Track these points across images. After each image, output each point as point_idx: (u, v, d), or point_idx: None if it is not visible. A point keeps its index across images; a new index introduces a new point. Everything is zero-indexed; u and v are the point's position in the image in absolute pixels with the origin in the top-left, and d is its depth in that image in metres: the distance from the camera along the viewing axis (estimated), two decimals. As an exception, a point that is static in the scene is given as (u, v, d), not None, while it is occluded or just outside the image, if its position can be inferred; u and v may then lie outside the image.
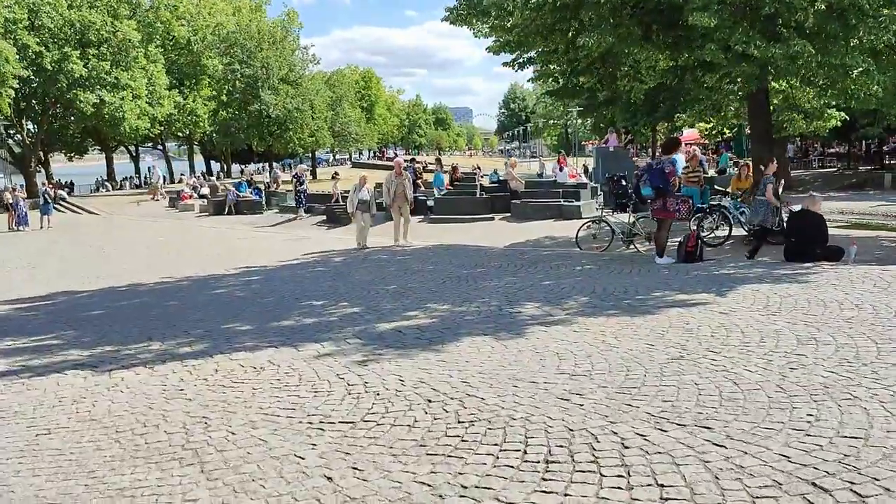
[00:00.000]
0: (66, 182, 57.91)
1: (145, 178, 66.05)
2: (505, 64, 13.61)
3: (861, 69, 10.09)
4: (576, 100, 16.36)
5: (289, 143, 50.69)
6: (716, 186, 17.97)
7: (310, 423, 4.45)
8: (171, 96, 51.02)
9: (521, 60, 13.50)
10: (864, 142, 43.86)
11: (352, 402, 4.80)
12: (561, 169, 21.02)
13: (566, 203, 19.01)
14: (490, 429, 4.07)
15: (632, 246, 13.79)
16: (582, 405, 4.37)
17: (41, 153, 53.92)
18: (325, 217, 23.17)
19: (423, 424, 4.25)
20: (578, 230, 14.29)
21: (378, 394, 4.91)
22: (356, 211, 15.79)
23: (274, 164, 76.97)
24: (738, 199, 14.85)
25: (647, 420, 4.03)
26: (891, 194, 27.56)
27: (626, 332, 6.25)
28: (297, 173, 25.62)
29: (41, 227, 25.97)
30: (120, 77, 45.52)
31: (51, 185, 31.42)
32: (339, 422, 4.42)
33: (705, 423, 3.92)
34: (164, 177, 62.90)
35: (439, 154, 75.06)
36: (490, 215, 19.95)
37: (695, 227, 13.06)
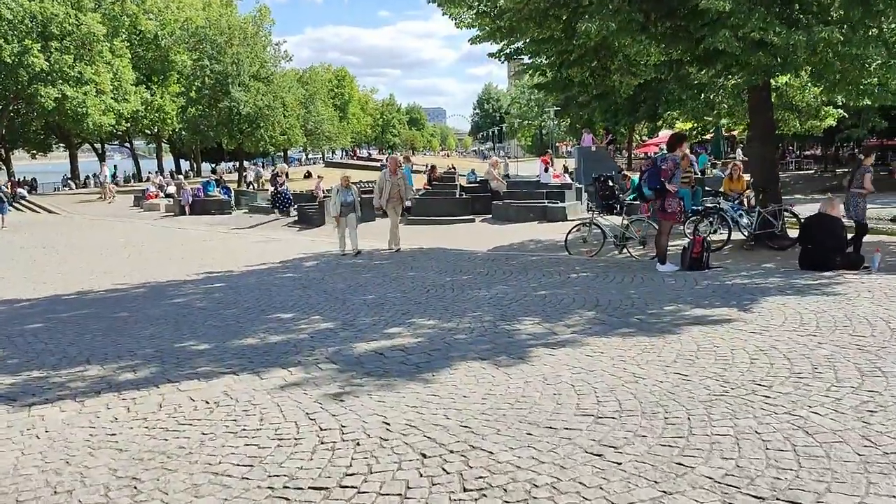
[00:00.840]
0: (28, 180, 55.95)
1: (113, 176, 64.28)
2: (490, 55, 12.67)
3: (879, 61, 9.35)
4: (565, 93, 15.41)
5: (260, 142, 49.30)
6: (706, 188, 17.25)
7: (271, 487, 3.45)
8: (138, 92, 49.35)
9: (507, 51, 12.54)
10: (842, 144, 43.74)
11: (325, 455, 3.81)
12: (546, 169, 20.18)
13: (551, 204, 18.15)
14: (507, 502, 3.11)
15: (625, 250, 12.95)
16: (619, 463, 3.43)
17: (2, 150, 51.96)
18: (296, 218, 22.07)
19: (418, 493, 3.27)
20: (568, 233, 13.41)
21: (358, 444, 3.93)
22: (340, 215, 13.91)
23: (259, 161, 75.52)
24: (735, 201, 14.09)
25: (711, 489, 3.10)
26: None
27: (648, 357, 5.34)
28: (276, 172, 24.42)
29: (-5, 227, 24.55)
30: (84, 71, 43.82)
31: (9, 183, 29.82)
32: (309, 487, 3.42)
33: (791, 495, 3.00)
34: (113, 176, 61.23)
35: (411, 153, 74.10)
36: (470, 216, 19.04)
37: (692, 231, 12.24)
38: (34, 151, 63.01)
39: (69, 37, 43.70)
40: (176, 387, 5.32)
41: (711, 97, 14.19)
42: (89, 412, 4.84)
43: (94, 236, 20.65)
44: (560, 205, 18.02)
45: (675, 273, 9.55)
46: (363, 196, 21.31)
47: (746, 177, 15.38)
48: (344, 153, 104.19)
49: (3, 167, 52.25)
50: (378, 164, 72.44)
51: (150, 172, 59.51)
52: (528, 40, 12.06)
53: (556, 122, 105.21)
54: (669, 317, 6.72)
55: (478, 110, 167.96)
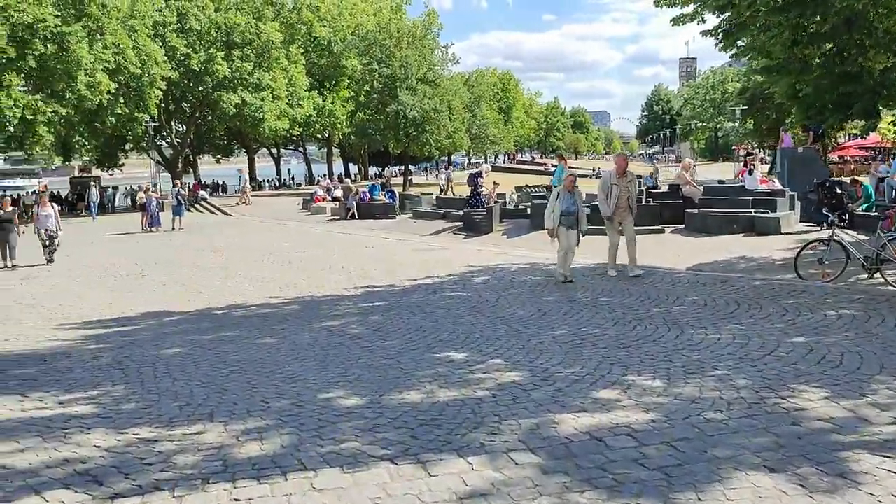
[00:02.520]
0: (210, 183, 59.29)
1: (285, 179, 67.06)
2: (705, 33, 10.41)
3: None
4: (798, 77, 12.65)
5: (425, 145, 48.83)
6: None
7: None
8: (311, 97, 50.69)
9: (726, 28, 10.19)
10: None
11: None
12: (750, 172, 17.27)
13: (760, 214, 15.32)
14: None
15: (876, 275, 10.14)
16: None
17: (190, 155, 55.31)
18: (461, 224, 20.60)
19: None
20: (799, 252, 10.75)
21: None
22: (559, 225, 10.51)
23: (424, 165, 75.97)
24: None
25: None
26: None
27: None
28: (478, 172, 23.12)
29: (172, 229, 25.15)
30: (261, 78, 45.46)
31: (191, 186, 30.93)
32: None
33: None
34: (282, 181, 63.40)
35: (573, 157, 71.12)
36: (659, 227, 16.57)
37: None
38: (218, 156, 66.97)
39: (250, 45, 45.48)
40: (310, 481, 3.70)
41: None
42: (183, 523, 3.32)
43: (261, 239, 20.31)
44: (771, 215, 15.16)
45: None
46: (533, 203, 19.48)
47: None
48: (506, 157, 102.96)
49: (192, 170, 55.64)
50: (543, 167, 70.53)
51: (318, 176, 61.26)
52: (756, 11, 9.64)
53: (735, 124, 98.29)
54: None
55: (646, 112, 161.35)
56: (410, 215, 24.61)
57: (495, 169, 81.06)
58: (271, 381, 5.86)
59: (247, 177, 42.57)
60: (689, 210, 16.82)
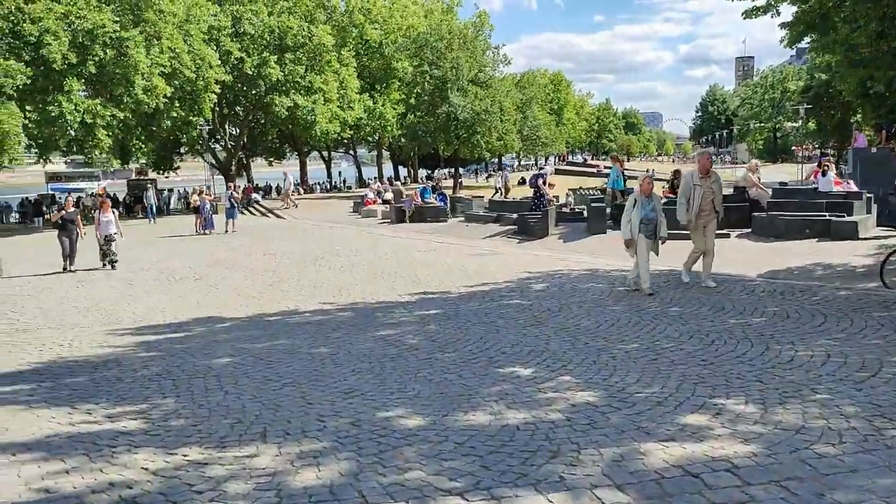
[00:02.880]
0: (264, 185, 59.98)
1: (335, 182, 67.46)
2: (783, 25, 9.75)
3: None
4: (874, 73, 11.80)
5: (476, 147, 48.40)
6: None
7: None
8: (362, 100, 50.81)
9: (808, 20, 9.53)
10: None
11: None
12: (824, 174, 16.37)
13: (836, 218, 14.48)
14: None
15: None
16: None
17: (243, 158, 56.02)
18: (515, 227, 20.12)
19: None
20: (885, 260, 10.01)
21: None
22: (638, 235, 9.57)
23: (499, 165, 75.37)
24: None
25: None
26: None
27: None
28: (543, 173, 22.57)
29: (226, 231, 25.27)
30: (313, 81, 45.72)
31: (235, 188, 31.11)
32: None
33: None
34: (334, 184, 63.59)
35: (625, 158, 69.55)
36: (724, 231, 15.82)
37: None
38: (270, 159, 67.76)
39: (302, 48, 45.77)
40: (370, 520, 3.33)
41: None
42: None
43: (312, 242, 20.19)
44: (848, 219, 14.31)
45: None
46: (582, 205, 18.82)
47: None
48: (557, 159, 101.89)
49: (245, 173, 56.35)
50: (595, 169, 69.34)
51: (368, 179, 61.40)
52: (841, 1, 8.97)
53: (796, 124, 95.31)
54: None
55: (700, 113, 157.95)
56: (462, 219, 24.23)
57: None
58: (327, 395, 5.53)
59: (291, 179, 42.10)
60: (756, 213, 16.03)
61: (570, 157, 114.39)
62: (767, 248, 14.19)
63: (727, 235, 15.76)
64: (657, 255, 9.94)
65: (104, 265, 16.14)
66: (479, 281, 11.86)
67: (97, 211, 17.29)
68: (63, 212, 16.61)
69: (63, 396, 5.83)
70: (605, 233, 17.44)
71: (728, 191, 19.87)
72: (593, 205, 17.86)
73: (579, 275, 11.89)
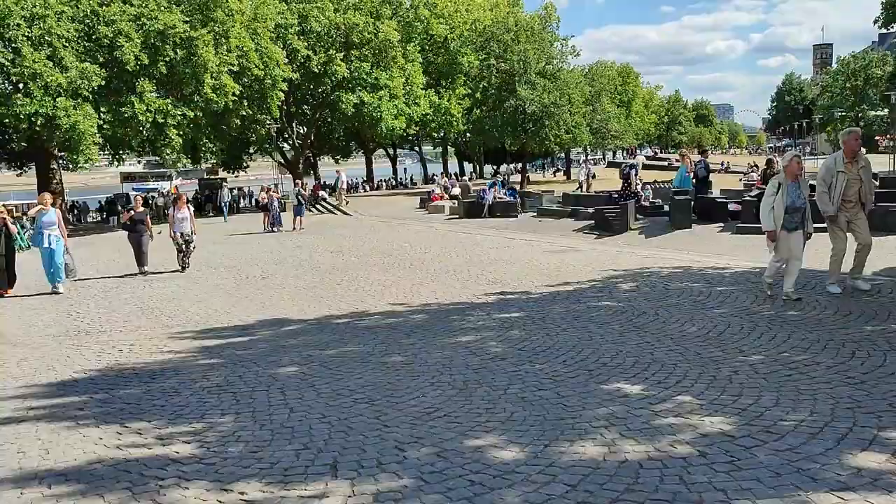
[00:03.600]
0: (332, 183, 60.15)
1: (401, 178, 67.27)
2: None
3: None
4: None
5: (544, 141, 47.27)
6: None
7: None
8: (428, 95, 50.28)
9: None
10: None
11: None
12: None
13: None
14: None
15: None
16: None
17: (310, 156, 56.28)
18: (592, 222, 19.10)
19: None
20: None
21: None
22: (782, 228, 8.11)
23: (567, 158, 73.87)
24: None
25: None
26: None
27: None
28: (632, 164, 21.46)
29: (293, 228, 25.04)
30: (379, 77, 45.42)
31: (303, 186, 30.97)
32: None
33: None
34: (400, 181, 63.20)
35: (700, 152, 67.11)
36: (822, 225, 14.49)
37: None
38: (337, 157, 68.05)
39: (368, 45, 45.53)
40: None
41: None
42: None
43: (380, 239, 19.64)
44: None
45: None
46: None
47: None
48: (625, 153, 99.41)
49: (312, 172, 56.62)
50: (666, 163, 67.07)
51: (434, 175, 60.90)
52: None
53: (881, 113, 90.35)
54: None
55: (776, 103, 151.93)
56: (534, 214, 23.30)
57: (612, 165, 77.97)
58: (404, 415, 4.80)
59: (343, 178, 40.85)
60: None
61: (638, 151, 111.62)
62: (876, 243, 12.79)
63: (825, 230, 14.40)
64: (801, 251, 8.25)
65: (182, 266, 15.21)
66: (561, 280, 10.99)
67: (172, 208, 16.53)
68: (132, 212, 16.12)
69: (115, 412, 5.28)
70: (690, 227, 16.27)
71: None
72: (677, 198, 16.69)
73: (670, 273, 10.88)
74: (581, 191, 31.74)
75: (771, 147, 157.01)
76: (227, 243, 21.37)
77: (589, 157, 73.64)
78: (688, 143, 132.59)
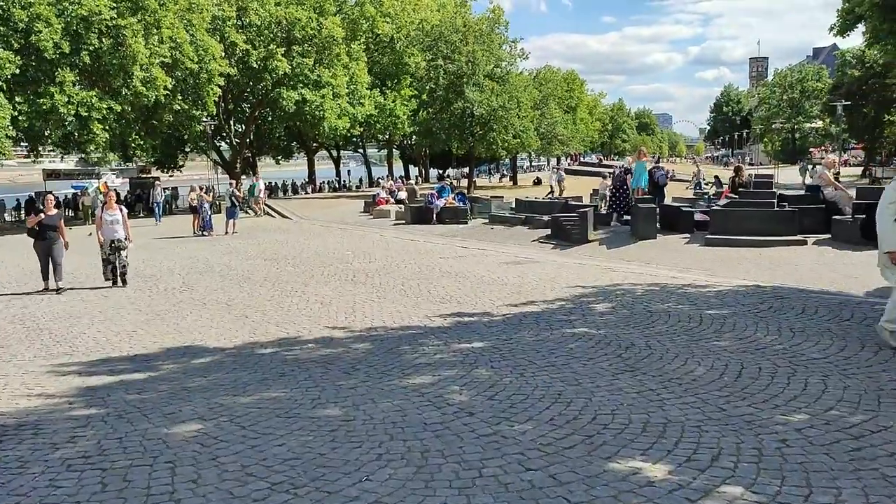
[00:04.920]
0: (272, 185, 57.99)
1: (344, 181, 65.36)
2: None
3: None
4: None
5: (492, 145, 46.11)
6: None
7: None
8: (372, 96, 48.60)
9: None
10: None
11: None
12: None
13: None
14: None
15: None
16: None
17: (250, 156, 53.88)
18: (548, 231, 17.87)
19: None
20: None
21: None
22: None
23: (514, 164, 72.85)
24: None
25: None
26: None
27: None
28: (627, 168, 19.82)
29: (226, 232, 23.15)
30: (322, 74, 43.57)
31: (238, 186, 29.00)
32: None
33: None
34: (344, 184, 61.35)
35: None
36: (798, 237, 13.58)
37: None
38: (278, 157, 65.67)
39: (310, 41, 43.65)
40: None
41: None
42: None
43: (320, 246, 18.02)
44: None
45: None
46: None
47: None
48: (570, 159, 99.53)
49: (251, 172, 54.22)
50: (609, 171, 66.75)
51: (379, 178, 59.26)
52: None
53: (815, 125, 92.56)
54: None
55: (714, 114, 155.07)
56: (486, 220, 21.98)
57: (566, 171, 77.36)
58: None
59: (261, 186, 35.41)
60: (836, 217, 13.77)
61: (583, 158, 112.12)
62: (860, 259, 11.88)
63: (803, 242, 13.50)
64: None
65: (110, 280, 12.54)
66: (524, 298, 9.65)
67: (100, 208, 13.48)
68: (41, 216, 12.49)
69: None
70: (654, 238, 15.15)
71: (798, 191, 17.62)
72: (641, 206, 15.58)
73: (646, 291, 9.65)
74: (552, 196, 30.38)
75: (708, 157, 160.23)
76: (150, 248, 19.40)
77: (560, 163, 72.40)
78: (631, 151, 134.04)
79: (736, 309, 8.13)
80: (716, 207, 14.79)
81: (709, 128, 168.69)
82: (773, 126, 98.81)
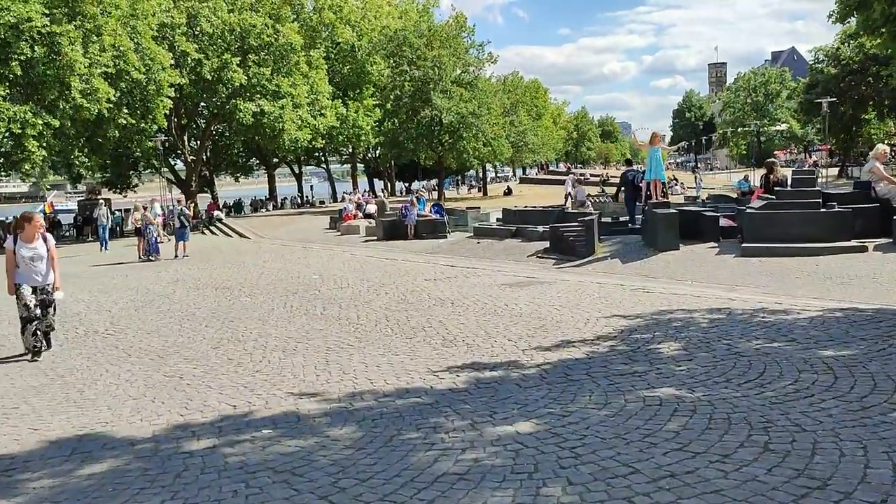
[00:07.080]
0: (231, 203, 55.22)
1: (307, 197, 62.62)
2: None
3: None
4: None
5: (462, 154, 43.88)
6: None
7: None
8: (334, 106, 46.01)
9: None
10: None
11: None
12: None
13: None
14: None
15: None
16: None
17: (206, 173, 50.86)
18: (546, 244, 15.56)
19: None
20: None
21: None
22: None
23: (485, 174, 70.59)
24: None
25: None
26: None
27: None
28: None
29: (175, 256, 20.40)
30: (280, 84, 40.91)
31: (187, 205, 26.16)
32: None
33: None
34: (305, 200, 58.72)
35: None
36: (853, 242, 11.43)
37: None
38: (237, 174, 62.73)
39: (267, 49, 41.05)
40: None
41: None
42: None
43: (282, 269, 15.44)
44: None
45: None
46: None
47: None
48: (538, 168, 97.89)
49: (208, 190, 51.16)
50: (583, 178, 64.78)
51: (345, 193, 56.68)
52: None
53: (780, 128, 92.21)
54: None
55: (677, 120, 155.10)
56: (471, 234, 19.61)
57: (525, 181, 75.36)
58: None
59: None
60: (896, 217, 11.64)
61: (550, 167, 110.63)
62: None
63: (863, 249, 11.33)
64: None
65: (36, 347, 8.05)
66: (553, 335, 7.27)
67: (11, 239, 8.48)
68: None
69: None
70: (677, 248, 12.88)
71: (845, 189, 15.51)
72: (659, 211, 13.30)
73: (709, 321, 7.35)
74: (568, 206, 27.23)
75: (672, 163, 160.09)
76: (83, 277, 16.57)
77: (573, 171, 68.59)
78: (595, 159, 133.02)
79: (860, 347, 5.86)
80: (749, 210, 12.55)
81: (672, 134, 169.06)
82: (738, 130, 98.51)
